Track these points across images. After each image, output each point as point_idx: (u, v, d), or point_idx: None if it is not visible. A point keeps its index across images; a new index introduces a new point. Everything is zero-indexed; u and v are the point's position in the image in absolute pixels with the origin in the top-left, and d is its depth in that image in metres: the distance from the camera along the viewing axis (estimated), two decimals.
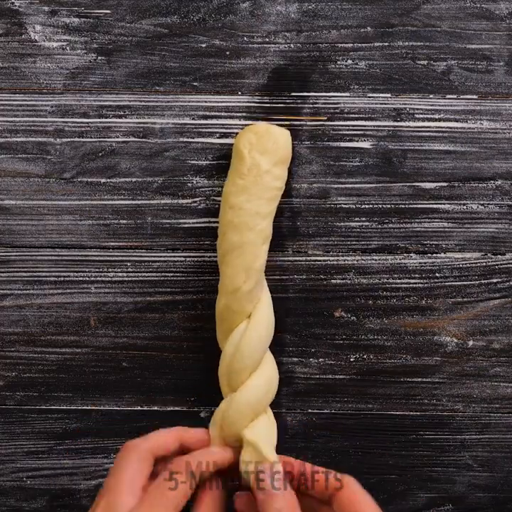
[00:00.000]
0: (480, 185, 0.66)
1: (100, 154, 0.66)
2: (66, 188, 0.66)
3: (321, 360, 0.67)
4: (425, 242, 0.66)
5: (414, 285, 0.66)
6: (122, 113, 0.66)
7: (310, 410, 0.67)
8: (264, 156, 0.61)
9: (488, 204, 0.66)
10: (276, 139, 0.62)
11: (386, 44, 0.66)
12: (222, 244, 0.62)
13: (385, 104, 0.66)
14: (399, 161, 0.66)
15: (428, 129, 0.66)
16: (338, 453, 0.67)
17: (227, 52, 0.66)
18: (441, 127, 0.66)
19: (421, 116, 0.66)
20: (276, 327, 0.66)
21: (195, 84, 0.66)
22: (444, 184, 0.66)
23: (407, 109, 0.66)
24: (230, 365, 0.61)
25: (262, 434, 0.59)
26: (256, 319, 0.61)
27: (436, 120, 0.66)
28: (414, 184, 0.66)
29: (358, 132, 0.66)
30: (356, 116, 0.66)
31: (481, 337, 0.66)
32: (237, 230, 0.61)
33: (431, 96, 0.66)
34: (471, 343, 0.66)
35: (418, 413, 0.67)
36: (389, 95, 0.66)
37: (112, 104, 0.66)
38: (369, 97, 0.66)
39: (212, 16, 0.66)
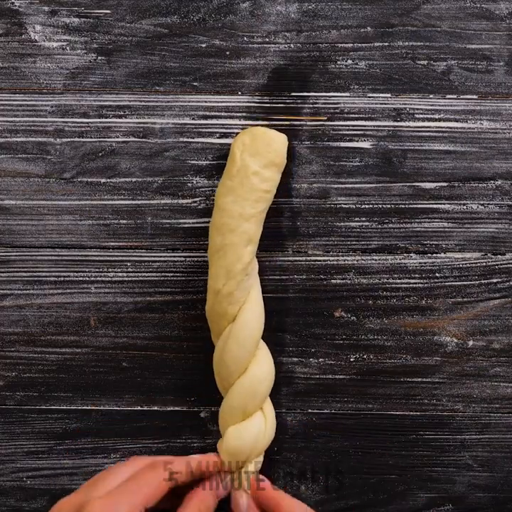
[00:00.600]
0: (480, 185, 0.66)
1: (100, 154, 0.66)
2: (66, 188, 0.66)
3: (321, 360, 0.67)
4: (425, 242, 0.66)
5: (414, 285, 0.66)
6: (122, 113, 0.66)
7: (310, 410, 0.67)
8: (254, 158, 0.61)
9: (488, 204, 0.66)
10: (270, 141, 0.62)
11: (386, 44, 0.66)
12: (209, 246, 0.62)
13: (385, 104, 0.66)
14: (399, 161, 0.66)
15: (428, 129, 0.66)
16: (338, 453, 0.67)
17: (227, 52, 0.66)
18: (441, 127, 0.66)
19: (421, 116, 0.66)
20: (276, 327, 0.66)
21: (195, 84, 0.66)
22: (444, 184, 0.66)
23: (407, 109, 0.66)
24: (217, 370, 0.62)
25: (243, 436, 0.60)
26: (239, 324, 0.61)
27: (436, 120, 0.66)
28: (414, 184, 0.66)
29: (358, 132, 0.66)
30: (356, 116, 0.66)
31: (481, 337, 0.66)
32: (220, 232, 0.61)
33: (431, 96, 0.66)
34: (471, 343, 0.66)
35: (418, 413, 0.67)
36: (389, 95, 0.66)
37: (112, 104, 0.66)
38: (369, 97, 0.66)
39: (212, 16, 0.66)
